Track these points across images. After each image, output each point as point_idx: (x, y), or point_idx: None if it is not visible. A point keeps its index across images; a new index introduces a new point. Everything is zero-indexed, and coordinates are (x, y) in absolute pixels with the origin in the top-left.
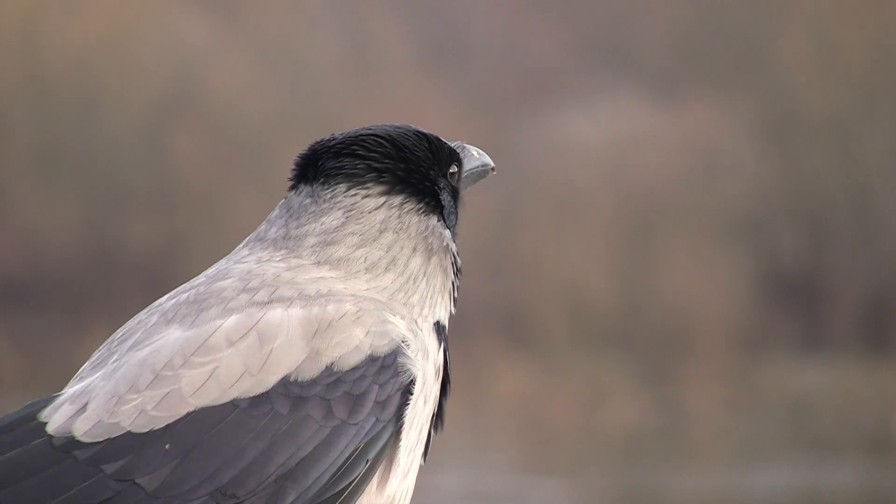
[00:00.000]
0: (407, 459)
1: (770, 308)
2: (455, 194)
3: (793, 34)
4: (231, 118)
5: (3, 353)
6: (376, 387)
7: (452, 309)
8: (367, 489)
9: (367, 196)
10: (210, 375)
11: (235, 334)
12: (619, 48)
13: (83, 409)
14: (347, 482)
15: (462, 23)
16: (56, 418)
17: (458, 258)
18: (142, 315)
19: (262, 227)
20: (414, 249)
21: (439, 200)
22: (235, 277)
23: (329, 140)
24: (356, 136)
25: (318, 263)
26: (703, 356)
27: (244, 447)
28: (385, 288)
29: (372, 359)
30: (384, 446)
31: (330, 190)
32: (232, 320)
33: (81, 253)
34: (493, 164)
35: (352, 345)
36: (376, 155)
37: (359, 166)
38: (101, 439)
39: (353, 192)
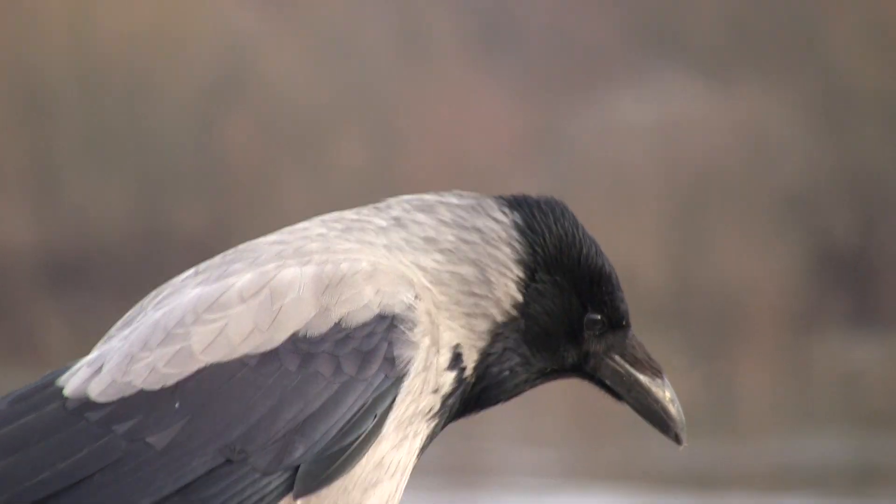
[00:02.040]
0: (396, 433)
1: (821, 286)
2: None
3: (844, 14)
4: (281, 102)
5: (54, 332)
6: (386, 343)
7: (472, 366)
8: (363, 459)
9: (501, 211)
10: (220, 332)
11: (248, 291)
12: (669, 29)
13: (98, 371)
14: (355, 436)
15: (512, 6)
16: (73, 382)
17: (503, 342)
18: (176, 277)
19: None
20: (474, 263)
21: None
22: (269, 240)
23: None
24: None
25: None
26: (754, 334)
27: (253, 404)
28: (423, 267)
29: (381, 316)
30: (392, 403)
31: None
32: (247, 277)
33: (131, 234)
34: (675, 431)
35: (360, 302)
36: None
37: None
38: (115, 398)
39: (497, 205)
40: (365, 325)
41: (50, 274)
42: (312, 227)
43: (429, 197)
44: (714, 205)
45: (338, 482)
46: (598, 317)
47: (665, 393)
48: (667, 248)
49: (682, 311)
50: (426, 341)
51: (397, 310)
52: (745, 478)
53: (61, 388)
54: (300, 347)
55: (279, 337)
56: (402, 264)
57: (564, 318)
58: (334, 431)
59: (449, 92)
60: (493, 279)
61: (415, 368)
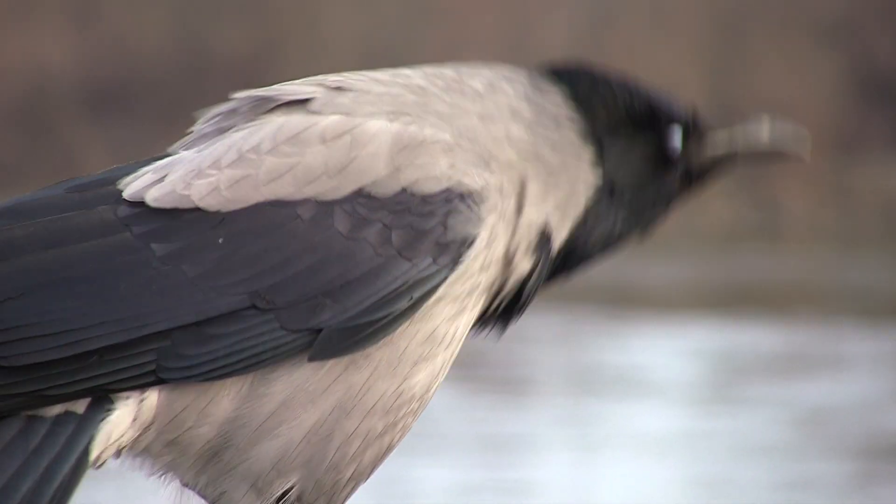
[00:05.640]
0: (452, 305)
1: (863, 109)
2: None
3: None
4: None
5: (96, 157)
6: (442, 228)
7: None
8: (409, 332)
9: (551, 86)
10: (290, 169)
11: (330, 133)
12: None
13: (162, 179)
14: (385, 313)
15: None
16: (134, 185)
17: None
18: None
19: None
20: (552, 145)
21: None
22: (373, 77)
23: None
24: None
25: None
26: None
27: (295, 257)
28: (513, 138)
29: (447, 197)
30: (432, 290)
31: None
32: (332, 119)
33: (173, 58)
34: (797, 155)
35: (432, 172)
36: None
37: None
38: (168, 207)
39: (545, 81)
40: (429, 199)
41: (91, 99)
42: (415, 77)
43: (502, 68)
44: (755, 29)
45: (385, 356)
46: (678, 128)
47: (764, 128)
48: (708, 73)
49: None
50: (492, 219)
51: (466, 187)
52: (790, 290)
53: (120, 190)
54: (357, 211)
55: (345, 188)
56: (492, 136)
57: (651, 163)
58: (367, 304)
59: None
60: (570, 161)
61: (475, 248)
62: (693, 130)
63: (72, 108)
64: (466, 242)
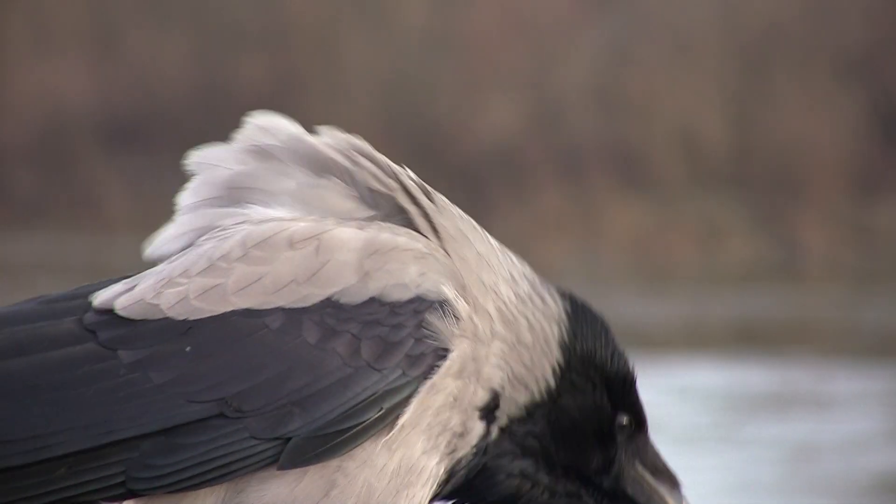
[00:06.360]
0: (427, 440)
1: (883, 147)
2: (610, 448)
3: None
4: None
5: (115, 193)
6: (412, 340)
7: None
8: (382, 444)
9: (553, 292)
10: (259, 278)
11: (299, 237)
12: None
13: (132, 288)
14: (355, 423)
15: None
16: (104, 294)
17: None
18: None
19: None
20: (531, 328)
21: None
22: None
23: None
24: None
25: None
26: (816, 195)
27: (262, 365)
28: (499, 294)
29: (417, 308)
30: (403, 401)
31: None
32: (302, 224)
33: (193, 93)
34: None
35: (401, 279)
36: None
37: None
38: (137, 318)
39: (550, 286)
40: (398, 309)
41: (109, 134)
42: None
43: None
44: (776, 65)
45: (367, 481)
46: (627, 420)
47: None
48: (728, 108)
49: (743, 172)
50: (464, 345)
51: (435, 297)
52: (808, 337)
53: (90, 302)
54: (326, 321)
55: (314, 296)
56: (479, 278)
57: (595, 415)
58: (336, 413)
59: None
60: (535, 356)
61: (447, 368)
62: (636, 437)
63: (90, 144)
64: (437, 356)
